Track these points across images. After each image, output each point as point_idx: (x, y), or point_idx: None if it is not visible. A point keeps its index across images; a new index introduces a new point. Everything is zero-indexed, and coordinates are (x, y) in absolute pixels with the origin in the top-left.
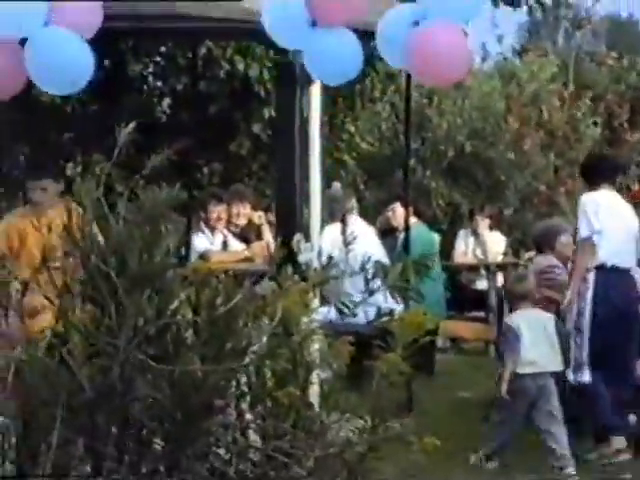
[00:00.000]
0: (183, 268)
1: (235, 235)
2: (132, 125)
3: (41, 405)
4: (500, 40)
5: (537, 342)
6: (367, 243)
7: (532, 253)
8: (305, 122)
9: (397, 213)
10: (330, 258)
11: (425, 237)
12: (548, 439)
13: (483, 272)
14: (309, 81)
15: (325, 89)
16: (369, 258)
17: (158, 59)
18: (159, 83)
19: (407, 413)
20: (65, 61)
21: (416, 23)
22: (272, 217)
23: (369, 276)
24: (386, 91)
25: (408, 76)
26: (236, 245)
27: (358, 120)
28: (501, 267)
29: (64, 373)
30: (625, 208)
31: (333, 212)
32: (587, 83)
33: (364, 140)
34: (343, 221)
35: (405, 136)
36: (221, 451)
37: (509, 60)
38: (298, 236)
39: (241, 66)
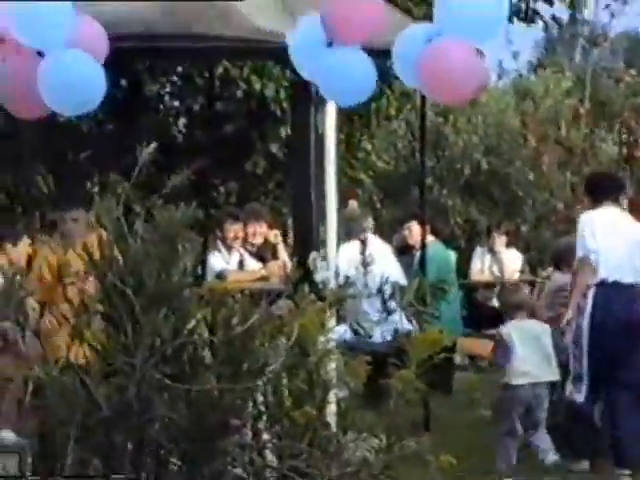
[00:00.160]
0: (199, 287)
1: (251, 254)
2: (153, 145)
3: (58, 424)
4: (516, 56)
5: (530, 353)
6: (384, 262)
7: (549, 270)
8: (321, 140)
9: (413, 231)
10: (347, 278)
11: (441, 255)
12: (508, 441)
13: (496, 289)
14: (325, 100)
15: (341, 108)
16: (387, 279)
17: (175, 79)
18: (176, 103)
19: (424, 431)
20: (78, 81)
21: (429, 41)
22: (289, 236)
23: (386, 297)
24: (402, 109)
25: (423, 94)
26: (252, 264)
27: (374, 138)
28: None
29: (81, 392)
30: (628, 224)
31: (350, 231)
32: (603, 100)
33: (380, 158)
34: (362, 241)
35: (420, 154)
36: (238, 471)
37: (524, 76)
38: (314, 255)
39: (257, 86)
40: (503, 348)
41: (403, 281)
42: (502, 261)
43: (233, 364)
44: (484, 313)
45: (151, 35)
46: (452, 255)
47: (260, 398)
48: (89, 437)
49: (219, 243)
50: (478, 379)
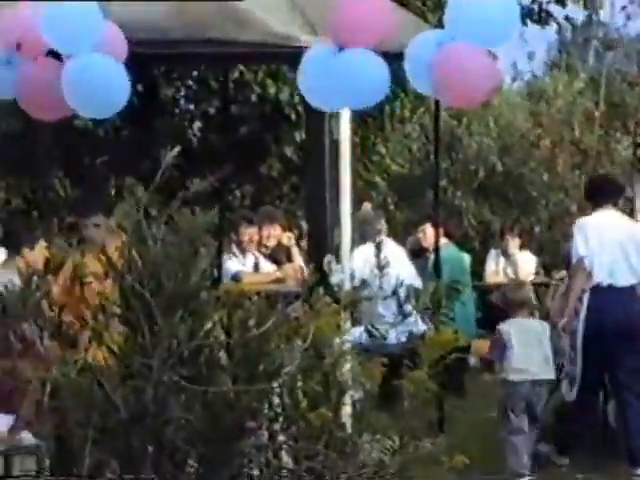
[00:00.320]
0: (216, 290)
1: (266, 257)
2: (176, 149)
3: (75, 426)
4: (531, 57)
5: (528, 351)
6: (399, 265)
7: (563, 272)
8: (335, 144)
9: (427, 234)
10: (362, 280)
11: (455, 258)
12: (515, 439)
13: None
14: None
15: (355, 111)
16: (402, 282)
17: (190, 83)
18: (191, 106)
19: (439, 433)
20: (102, 85)
21: (440, 45)
22: (303, 238)
23: (401, 299)
24: (416, 112)
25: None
26: (267, 267)
27: (388, 141)
28: (532, 287)
29: (98, 394)
30: (625, 226)
31: (364, 234)
32: (618, 102)
33: (394, 161)
34: (377, 244)
35: (435, 156)
36: (254, 472)
37: (539, 78)
38: (329, 257)
39: (272, 90)
40: (500, 345)
41: (418, 283)
42: (516, 263)
43: (249, 366)
44: (498, 315)
45: (167, 40)
46: (466, 257)
47: (276, 400)
48: (107, 439)
49: (234, 246)
50: (492, 381)
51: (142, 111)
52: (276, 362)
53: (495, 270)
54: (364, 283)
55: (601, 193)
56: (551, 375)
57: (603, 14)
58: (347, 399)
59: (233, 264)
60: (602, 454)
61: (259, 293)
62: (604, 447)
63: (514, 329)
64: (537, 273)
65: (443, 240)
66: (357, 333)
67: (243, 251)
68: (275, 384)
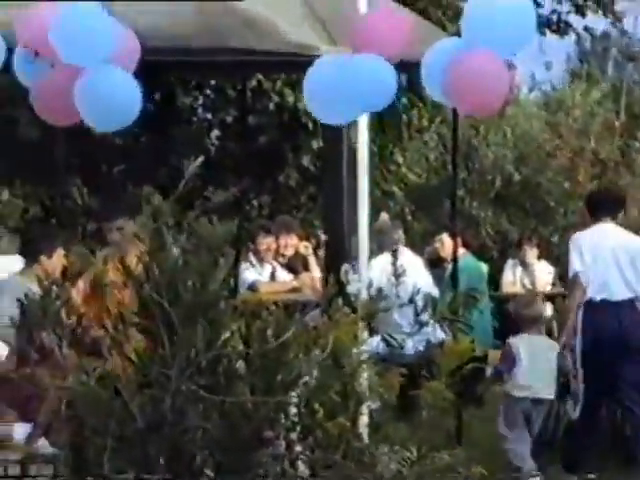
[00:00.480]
0: (234, 299)
1: (283, 266)
2: (199, 160)
3: (93, 434)
4: (549, 67)
5: (535, 368)
6: (416, 274)
7: None
8: (353, 153)
9: (445, 244)
10: (380, 290)
11: (473, 267)
12: (513, 455)
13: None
14: None
15: (372, 120)
16: (418, 290)
17: (208, 91)
18: (208, 115)
19: (456, 444)
20: (115, 98)
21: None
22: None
23: (418, 308)
24: (433, 121)
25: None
26: (284, 276)
27: (406, 151)
28: (550, 297)
29: (116, 403)
30: (622, 239)
31: (381, 243)
32: (637, 113)
33: (411, 171)
34: (394, 252)
35: (452, 166)
36: None
37: (556, 88)
38: (346, 267)
39: (290, 99)
40: (509, 358)
41: (435, 293)
42: (533, 273)
43: (267, 376)
44: (515, 325)
45: (185, 49)
46: (483, 267)
47: (293, 409)
48: (124, 447)
49: (251, 255)
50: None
51: (160, 119)
52: (294, 372)
53: (512, 280)
54: (381, 292)
55: (599, 206)
56: (551, 395)
57: (625, 24)
58: (364, 409)
59: (250, 273)
60: (611, 470)
61: (277, 303)
62: (613, 463)
63: (523, 344)
64: (554, 284)
65: (461, 250)
66: (374, 343)
67: (260, 260)
68: (293, 394)
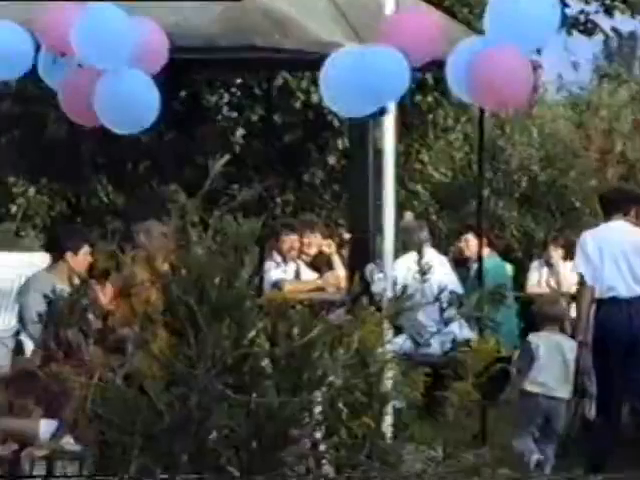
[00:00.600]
0: (258, 298)
1: (307, 264)
2: (225, 158)
3: (119, 433)
4: (576, 67)
5: (552, 366)
6: (441, 273)
7: None
8: (379, 152)
9: (470, 243)
10: (405, 288)
11: (498, 268)
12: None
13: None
14: (383, 111)
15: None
16: (444, 287)
17: (233, 90)
18: (234, 114)
19: (481, 445)
20: (131, 102)
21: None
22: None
23: (444, 305)
24: (459, 121)
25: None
26: (308, 274)
27: (431, 150)
28: (575, 298)
29: (142, 401)
30: (630, 237)
31: (406, 243)
32: None
33: (437, 170)
34: (419, 250)
35: (478, 166)
36: None
37: (584, 88)
38: (371, 266)
39: (316, 97)
40: (527, 355)
41: (460, 292)
42: (559, 274)
43: (293, 375)
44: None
45: (211, 47)
46: (508, 268)
47: (318, 408)
48: (150, 445)
49: (275, 254)
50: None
51: (185, 118)
52: (320, 371)
53: (538, 281)
54: (406, 290)
55: (611, 204)
56: (567, 394)
57: None
58: (389, 409)
59: (275, 272)
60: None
61: (302, 302)
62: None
63: (542, 342)
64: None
65: (486, 250)
66: (400, 342)
67: (285, 259)
68: (319, 393)
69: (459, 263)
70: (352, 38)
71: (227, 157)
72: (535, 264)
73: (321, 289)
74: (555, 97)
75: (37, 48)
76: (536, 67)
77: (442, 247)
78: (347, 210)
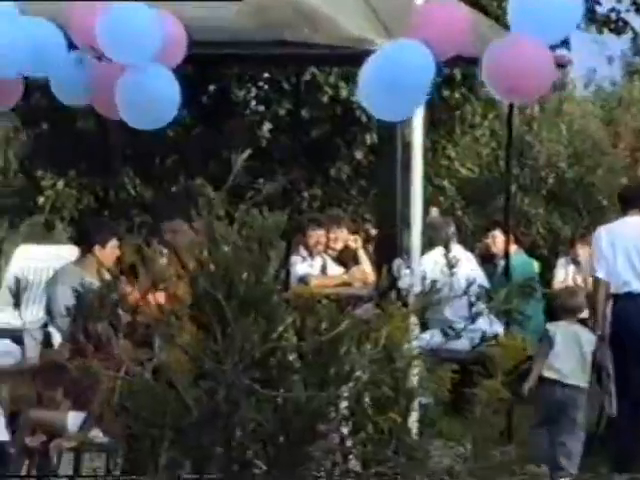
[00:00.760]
0: (285, 292)
1: (333, 259)
2: (247, 153)
3: (147, 426)
4: (610, 62)
5: (567, 354)
6: (468, 269)
7: None
8: (407, 148)
9: (497, 240)
10: (433, 282)
11: (525, 265)
12: (560, 452)
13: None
14: None
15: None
16: (473, 281)
17: (261, 84)
18: (261, 108)
19: (508, 442)
20: (153, 97)
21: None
22: (370, 241)
23: (472, 300)
24: (487, 117)
25: (511, 103)
26: (334, 269)
27: (458, 146)
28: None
29: (171, 394)
30: None
31: (433, 239)
32: None
33: (464, 166)
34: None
35: (506, 162)
36: (322, 475)
37: (613, 84)
38: (398, 261)
39: (344, 92)
40: (546, 343)
41: (487, 287)
42: (586, 271)
43: (321, 370)
44: None
45: (241, 42)
46: (535, 265)
47: (344, 403)
48: (179, 439)
49: (302, 248)
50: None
51: (213, 112)
52: (347, 366)
53: (564, 278)
54: (434, 284)
55: (627, 200)
56: (582, 383)
57: None
58: (415, 405)
59: (301, 266)
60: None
61: (329, 296)
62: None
63: (559, 330)
64: None
65: (513, 247)
66: (427, 337)
67: (311, 253)
68: (346, 388)
69: (485, 259)
70: (381, 33)
71: (249, 151)
72: (562, 261)
73: (347, 284)
74: (583, 93)
75: (70, 45)
76: (565, 63)
77: (468, 243)
78: (374, 205)
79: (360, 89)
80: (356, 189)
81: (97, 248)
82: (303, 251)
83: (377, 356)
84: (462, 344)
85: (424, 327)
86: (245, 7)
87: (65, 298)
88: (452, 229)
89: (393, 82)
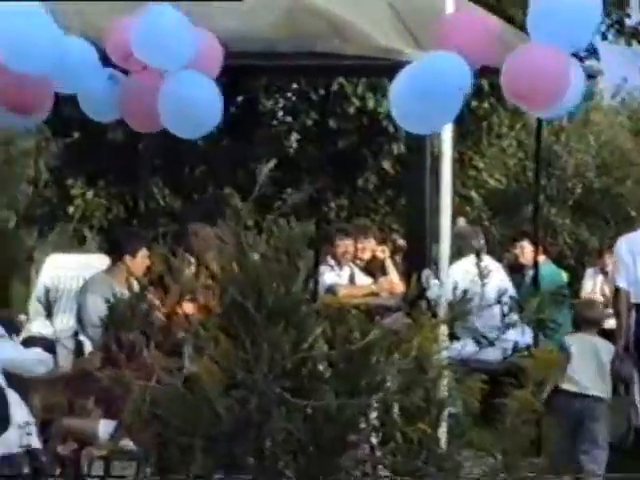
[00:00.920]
0: (314, 302)
1: (361, 269)
2: (272, 163)
3: (178, 435)
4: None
5: (585, 365)
6: (498, 279)
7: None
8: (435, 158)
9: (525, 250)
10: (464, 292)
11: (554, 275)
12: (585, 461)
13: (612, 311)
14: None
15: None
16: (504, 291)
17: (289, 95)
18: (289, 118)
19: (536, 452)
20: (195, 106)
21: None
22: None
23: (505, 310)
24: (514, 128)
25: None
26: (362, 279)
27: (485, 156)
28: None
29: (202, 404)
30: None
31: (461, 249)
32: None
33: (491, 176)
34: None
35: (535, 173)
36: None
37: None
38: (427, 272)
39: (371, 102)
40: (563, 355)
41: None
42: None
43: (351, 379)
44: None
45: (271, 53)
46: (564, 275)
47: (374, 413)
48: (210, 448)
49: (330, 258)
50: None
51: (241, 122)
52: (379, 376)
53: (592, 289)
54: (466, 294)
55: None
56: (602, 394)
57: None
58: (445, 415)
59: (329, 276)
60: None
61: (357, 306)
62: None
63: (576, 341)
64: None
65: (541, 257)
66: (459, 347)
67: (339, 263)
68: (377, 398)
69: (514, 270)
70: (410, 43)
71: (274, 161)
72: (590, 272)
73: (375, 294)
74: (610, 102)
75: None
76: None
77: (496, 253)
78: (403, 216)
79: (394, 100)
80: (383, 199)
81: (128, 258)
82: (331, 261)
83: (407, 366)
84: (494, 354)
85: (453, 337)
86: (278, 19)
87: (95, 307)
88: (481, 239)
89: (430, 92)
